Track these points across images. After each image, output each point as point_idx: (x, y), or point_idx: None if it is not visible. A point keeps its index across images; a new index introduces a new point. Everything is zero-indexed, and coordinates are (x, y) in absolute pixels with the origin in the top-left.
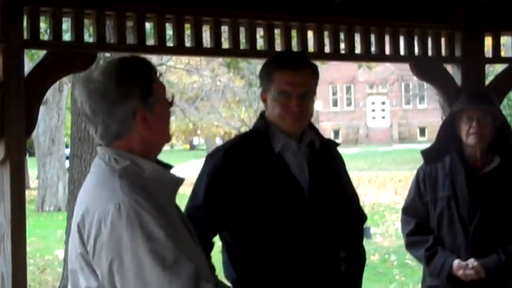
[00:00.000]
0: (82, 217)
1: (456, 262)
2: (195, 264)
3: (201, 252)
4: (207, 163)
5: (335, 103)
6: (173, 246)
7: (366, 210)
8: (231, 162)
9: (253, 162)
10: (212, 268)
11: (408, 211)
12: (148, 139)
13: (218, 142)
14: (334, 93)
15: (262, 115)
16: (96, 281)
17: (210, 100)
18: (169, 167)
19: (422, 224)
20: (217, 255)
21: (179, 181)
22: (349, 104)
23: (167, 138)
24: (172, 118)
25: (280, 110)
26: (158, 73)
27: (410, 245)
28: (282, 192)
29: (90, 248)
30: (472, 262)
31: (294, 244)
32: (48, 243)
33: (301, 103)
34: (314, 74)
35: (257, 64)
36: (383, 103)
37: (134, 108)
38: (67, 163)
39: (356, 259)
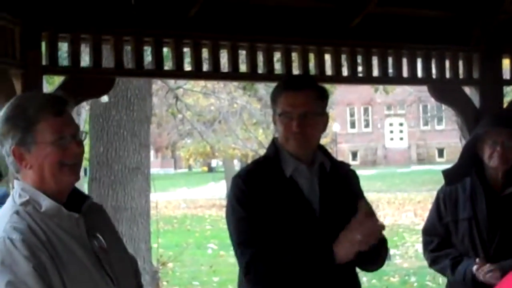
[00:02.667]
0: None
1: (478, 264)
2: None
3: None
4: (231, 191)
5: (352, 125)
6: None
7: (385, 231)
8: (249, 187)
9: (267, 187)
10: None
11: (428, 232)
12: (34, 178)
13: (236, 164)
14: (352, 115)
15: (274, 140)
16: None
17: (227, 122)
18: (85, 197)
19: (445, 243)
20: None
21: (78, 218)
22: (366, 126)
23: (57, 178)
24: (190, 141)
25: (283, 131)
26: (57, 111)
27: (434, 260)
28: (295, 215)
29: None
30: (488, 266)
31: None
32: None
33: (302, 123)
34: (319, 95)
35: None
36: (401, 124)
37: (10, 146)
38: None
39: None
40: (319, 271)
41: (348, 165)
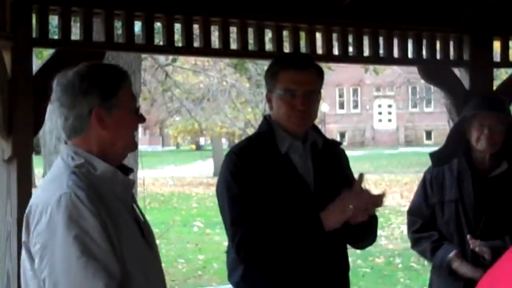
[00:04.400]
0: (30, 208)
1: (454, 251)
2: (118, 270)
3: (151, 257)
4: (224, 166)
5: (341, 106)
6: (106, 244)
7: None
8: (244, 162)
9: (261, 163)
10: None
11: (414, 212)
12: (105, 140)
13: (224, 142)
14: (341, 96)
15: (266, 118)
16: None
17: (217, 100)
18: (129, 170)
19: (428, 225)
20: (222, 256)
21: (130, 182)
22: (355, 107)
23: (127, 144)
24: (178, 118)
25: (285, 109)
26: (130, 83)
27: (416, 241)
28: (290, 191)
29: (31, 235)
30: (478, 243)
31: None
32: None
33: (306, 102)
34: (319, 75)
35: (264, 65)
36: (390, 106)
37: (90, 106)
38: None
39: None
40: (308, 239)
41: (339, 143)
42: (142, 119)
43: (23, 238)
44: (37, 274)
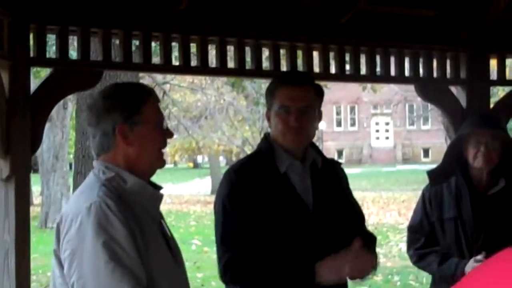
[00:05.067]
0: (60, 217)
1: (472, 260)
2: (144, 277)
3: (177, 272)
4: (222, 184)
5: (339, 123)
6: (133, 252)
7: (369, 230)
8: (242, 182)
9: (260, 182)
10: None
11: (415, 230)
12: (130, 156)
13: (222, 160)
14: (338, 113)
15: (266, 136)
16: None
17: (214, 118)
18: (158, 187)
19: (431, 241)
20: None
21: (159, 196)
22: (353, 124)
23: (153, 160)
24: (176, 136)
25: (281, 126)
26: (156, 99)
27: (420, 257)
28: (289, 211)
29: (61, 242)
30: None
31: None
32: (51, 260)
33: (300, 118)
34: (316, 93)
35: (262, 84)
36: (387, 123)
37: (114, 123)
38: (70, 180)
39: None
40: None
41: (338, 163)
42: (169, 134)
43: (54, 246)
44: (66, 280)
